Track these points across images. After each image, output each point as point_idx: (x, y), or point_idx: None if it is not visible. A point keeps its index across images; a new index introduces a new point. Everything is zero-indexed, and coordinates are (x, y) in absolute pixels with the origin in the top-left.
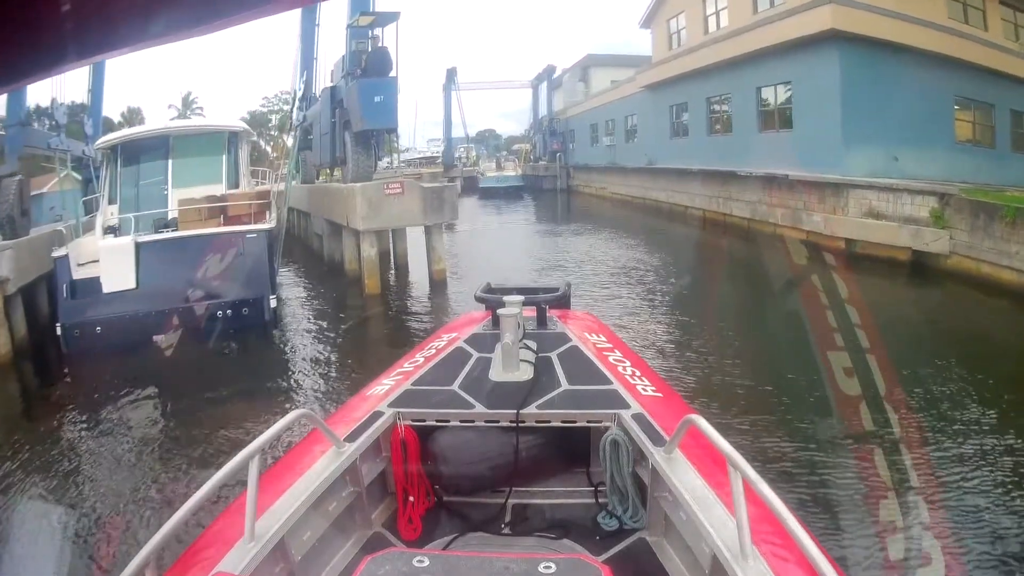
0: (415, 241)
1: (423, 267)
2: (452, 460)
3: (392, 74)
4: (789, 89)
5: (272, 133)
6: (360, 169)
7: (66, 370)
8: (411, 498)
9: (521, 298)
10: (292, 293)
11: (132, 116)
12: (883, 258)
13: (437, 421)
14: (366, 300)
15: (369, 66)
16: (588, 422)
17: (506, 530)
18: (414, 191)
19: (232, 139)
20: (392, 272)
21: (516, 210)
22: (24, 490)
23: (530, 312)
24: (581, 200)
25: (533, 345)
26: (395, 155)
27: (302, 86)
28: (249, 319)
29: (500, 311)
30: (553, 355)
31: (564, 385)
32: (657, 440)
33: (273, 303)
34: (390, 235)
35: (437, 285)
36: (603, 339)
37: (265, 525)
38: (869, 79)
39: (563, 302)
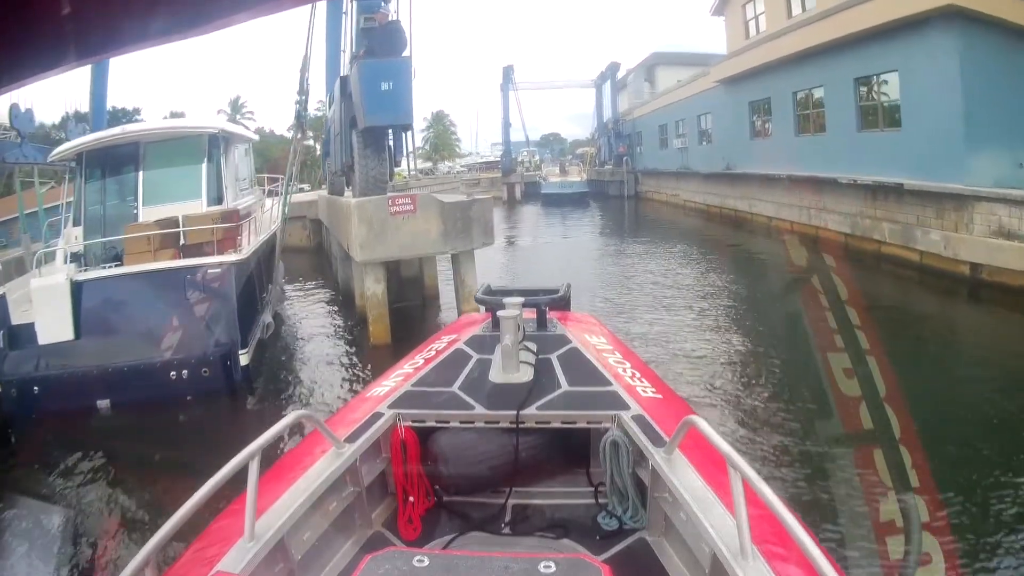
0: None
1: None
2: (452, 461)
3: (405, 54)
4: (896, 80)
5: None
6: (368, 178)
7: (10, 433)
8: (411, 498)
9: (521, 300)
10: (292, 335)
11: None
12: (1016, 288)
13: (437, 422)
14: (368, 355)
15: (376, 45)
16: (588, 423)
17: (506, 530)
18: (430, 208)
19: (214, 143)
20: (421, 304)
21: (581, 220)
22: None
23: (530, 314)
24: (651, 208)
25: (533, 347)
26: (456, 160)
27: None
28: (210, 381)
29: (500, 313)
30: (553, 356)
31: (564, 386)
32: (657, 441)
33: (245, 358)
34: (419, 260)
35: None
36: (603, 340)
37: (265, 525)
38: (992, 69)
39: (563, 304)
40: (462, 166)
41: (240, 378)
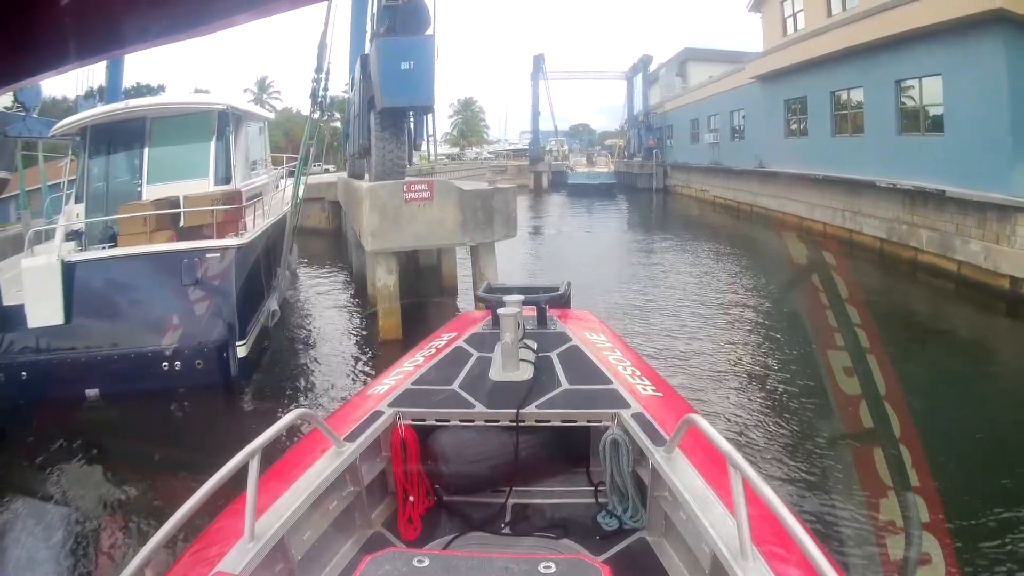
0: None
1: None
2: (452, 460)
3: (428, 32)
4: (939, 84)
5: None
6: (386, 162)
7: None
8: (411, 498)
9: (521, 297)
10: (299, 324)
11: None
12: None
13: (437, 421)
14: (377, 351)
15: (398, 22)
16: (588, 422)
17: (506, 530)
18: (448, 196)
19: (222, 120)
20: (439, 294)
21: (607, 212)
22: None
23: (530, 311)
24: (679, 203)
25: (533, 345)
26: (484, 146)
27: (319, 54)
28: (205, 374)
29: (500, 310)
30: (553, 355)
31: (564, 385)
32: (657, 440)
33: (243, 350)
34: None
35: None
36: (603, 338)
37: (265, 525)
38: None
39: (563, 301)
40: (490, 153)
41: (237, 371)
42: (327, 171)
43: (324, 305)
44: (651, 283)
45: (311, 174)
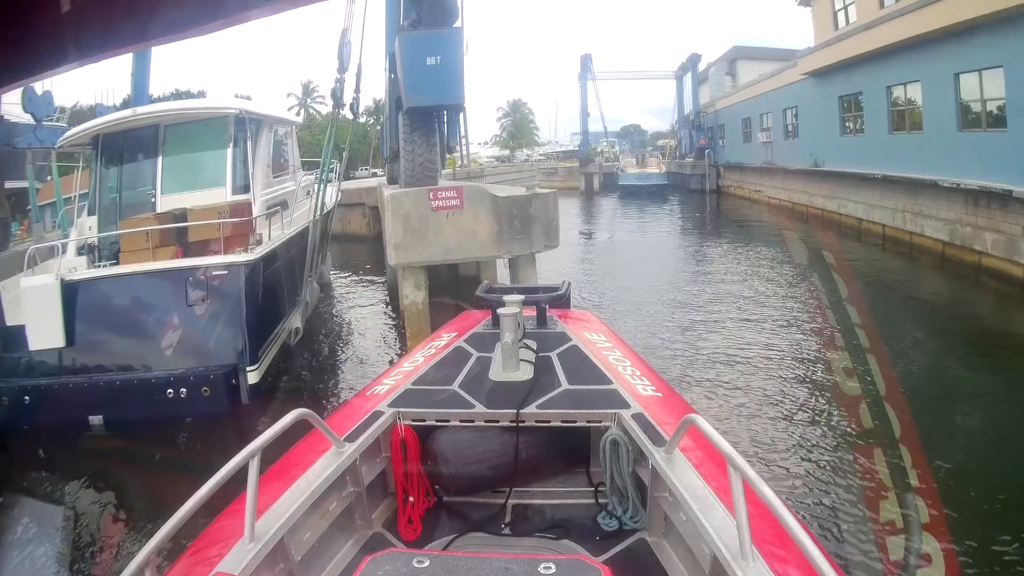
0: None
1: None
2: (452, 460)
3: (456, 24)
4: (1001, 76)
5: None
6: (416, 166)
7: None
8: (411, 498)
9: (521, 297)
10: (326, 341)
11: None
12: None
13: (437, 421)
14: None
15: (422, 15)
16: (588, 422)
17: (506, 530)
18: (481, 204)
19: (239, 126)
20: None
21: (659, 216)
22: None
23: (530, 311)
24: (733, 205)
25: (533, 345)
26: (534, 148)
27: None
28: (211, 403)
29: (500, 310)
30: (553, 355)
31: (564, 385)
32: (657, 440)
33: (255, 376)
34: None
35: None
36: (603, 338)
37: (265, 525)
38: None
39: (563, 301)
40: (540, 154)
41: (248, 399)
42: (374, 175)
43: (355, 319)
44: (729, 302)
45: (357, 178)
